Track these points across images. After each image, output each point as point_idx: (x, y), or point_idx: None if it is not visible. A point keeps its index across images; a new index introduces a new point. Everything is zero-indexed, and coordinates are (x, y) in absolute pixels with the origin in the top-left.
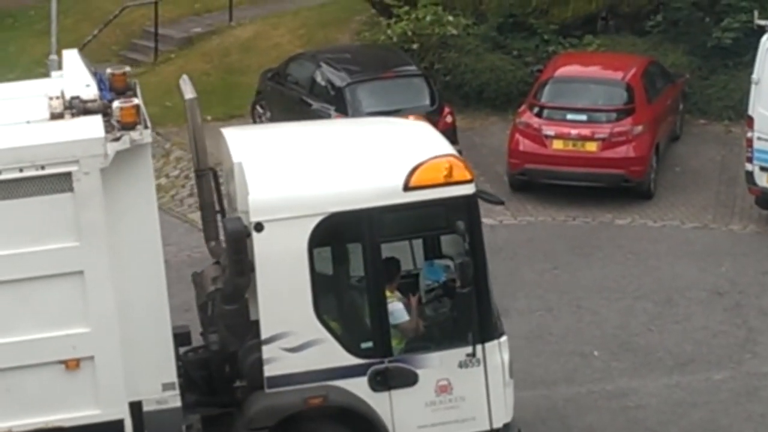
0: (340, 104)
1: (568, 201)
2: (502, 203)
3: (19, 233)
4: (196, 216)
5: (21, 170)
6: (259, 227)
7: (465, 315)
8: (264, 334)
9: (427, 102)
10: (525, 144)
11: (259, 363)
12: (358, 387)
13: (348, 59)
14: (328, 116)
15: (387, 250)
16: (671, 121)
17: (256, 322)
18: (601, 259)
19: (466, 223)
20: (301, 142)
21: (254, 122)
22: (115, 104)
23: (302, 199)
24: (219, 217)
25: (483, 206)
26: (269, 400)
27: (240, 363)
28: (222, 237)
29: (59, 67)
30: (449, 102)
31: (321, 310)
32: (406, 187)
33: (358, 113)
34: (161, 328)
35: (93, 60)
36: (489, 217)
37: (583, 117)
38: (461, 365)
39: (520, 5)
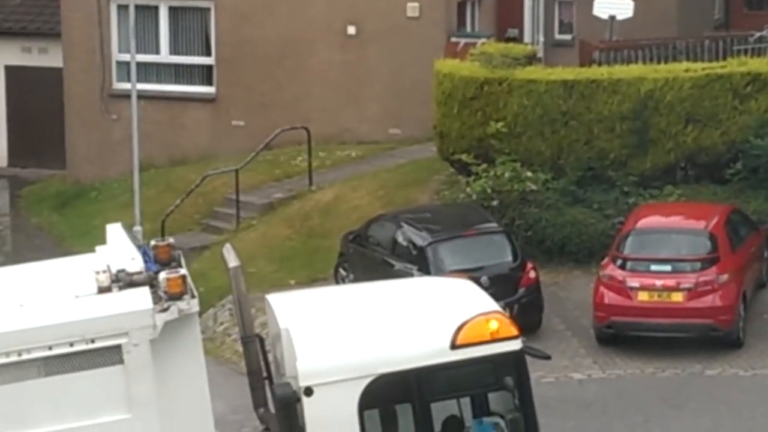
0: (422, 263)
1: (656, 352)
2: (548, 358)
3: (71, 408)
4: None
5: (71, 345)
6: (308, 392)
7: None
8: None
9: (510, 258)
10: (610, 297)
11: None
12: None
13: (428, 218)
14: (411, 276)
15: (438, 409)
16: (757, 268)
17: None
18: (693, 411)
19: (514, 378)
20: (346, 304)
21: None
22: (162, 275)
23: (350, 361)
24: (267, 383)
25: (572, 360)
26: None
27: None
28: (271, 403)
29: (143, 238)
30: (532, 257)
31: None
32: (454, 346)
33: (440, 272)
34: None
35: (176, 229)
36: (578, 372)
37: (668, 267)
38: None
39: (598, 158)
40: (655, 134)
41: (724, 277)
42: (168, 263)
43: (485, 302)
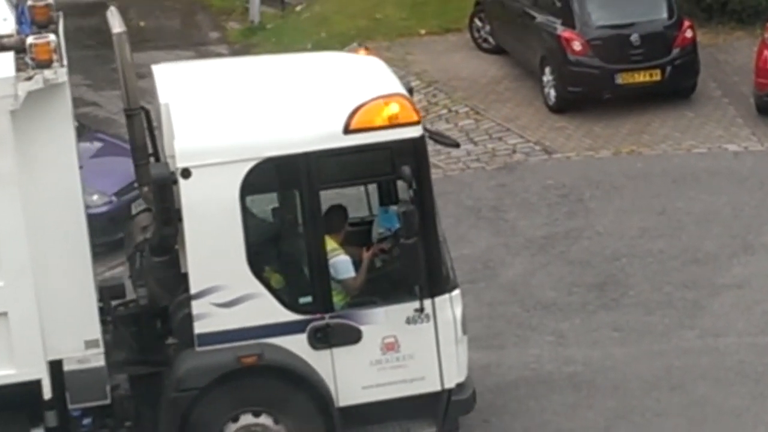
0: (567, 17)
1: None
2: (457, 146)
3: None
4: None
5: None
6: (186, 173)
7: (411, 267)
8: (193, 289)
9: (665, 15)
10: None
11: (190, 319)
12: (297, 344)
13: None
14: (553, 30)
15: (338, 196)
16: None
17: (187, 275)
18: None
19: (412, 167)
20: (236, 79)
21: (472, 37)
22: (29, 40)
23: (233, 142)
24: (153, 160)
25: (728, 130)
26: (199, 359)
27: (170, 319)
28: None
29: None
30: (689, 15)
31: (255, 263)
32: (347, 130)
33: (587, 27)
34: (83, 282)
35: None
36: (733, 143)
37: None
38: (409, 321)
39: None
40: None
41: None
42: (46, 25)
43: (388, 84)
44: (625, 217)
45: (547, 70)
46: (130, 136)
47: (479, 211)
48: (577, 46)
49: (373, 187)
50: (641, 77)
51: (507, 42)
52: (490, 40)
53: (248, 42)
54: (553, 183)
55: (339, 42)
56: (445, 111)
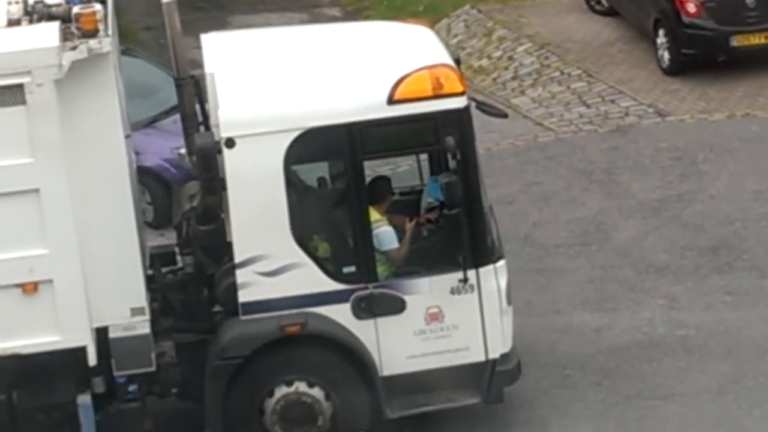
0: None
1: None
2: (505, 116)
3: None
4: (520, 101)
5: None
6: (230, 143)
7: (454, 238)
8: (238, 258)
9: None
10: None
11: (234, 288)
12: (340, 314)
13: None
14: None
15: (391, 165)
16: None
17: (232, 244)
18: None
19: (456, 138)
20: (283, 49)
21: (588, 5)
22: (75, 10)
23: (278, 112)
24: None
25: None
26: (243, 327)
27: (215, 287)
28: None
29: None
30: None
31: (299, 233)
32: (391, 101)
33: None
34: (128, 250)
35: None
36: None
37: None
38: (453, 291)
39: None
40: None
41: None
42: None
43: (435, 54)
44: (739, 180)
45: (661, 32)
46: (180, 105)
47: (591, 173)
48: (691, 8)
49: (424, 157)
50: (756, 39)
51: (620, 4)
52: (603, 2)
53: (360, 4)
54: (666, 146)
55: (451, 4)
56: (557, 73)
